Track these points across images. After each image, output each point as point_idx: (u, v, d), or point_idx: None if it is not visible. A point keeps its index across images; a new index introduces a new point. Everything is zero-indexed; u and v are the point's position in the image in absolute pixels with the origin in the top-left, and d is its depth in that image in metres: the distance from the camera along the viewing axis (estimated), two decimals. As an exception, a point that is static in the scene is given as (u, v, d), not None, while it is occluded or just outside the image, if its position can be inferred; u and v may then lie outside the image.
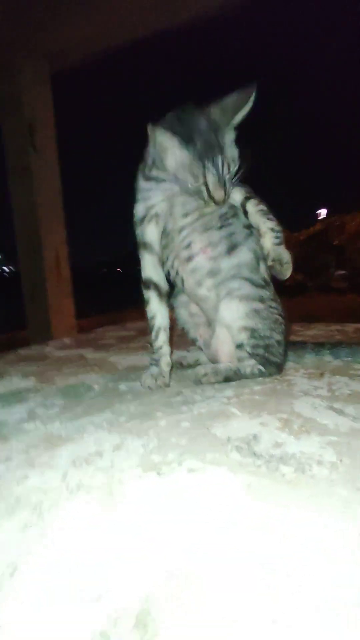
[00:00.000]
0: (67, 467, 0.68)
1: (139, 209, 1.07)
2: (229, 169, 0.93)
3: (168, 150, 0.93)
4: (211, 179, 0.92)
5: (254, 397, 0.96)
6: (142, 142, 1.03)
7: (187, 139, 0.90)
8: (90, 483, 0.63)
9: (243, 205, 1.06)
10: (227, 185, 0.94)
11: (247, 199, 1.06)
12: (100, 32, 2.63)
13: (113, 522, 0.54)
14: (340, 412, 0.84)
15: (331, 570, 0.44)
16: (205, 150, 0.90)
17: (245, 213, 1.06)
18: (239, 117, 0.94)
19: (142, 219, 1.07)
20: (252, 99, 0.93)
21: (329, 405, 0.88)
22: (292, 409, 0.87)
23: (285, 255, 1.04)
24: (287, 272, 1.04)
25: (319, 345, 1.24)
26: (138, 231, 1.09)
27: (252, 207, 1.05)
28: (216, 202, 0.95)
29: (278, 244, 1.04)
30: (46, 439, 0.81)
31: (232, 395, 0.98)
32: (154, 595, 0.42)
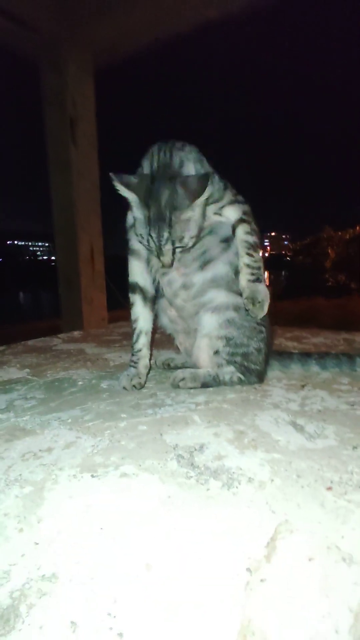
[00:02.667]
0: (16, 460, 0.73)
1: (129, 217, 1.09)
2: (172, 244, 0.92)
3: (131, 201, 0.96)
4: (152, 245, 0.93)
5: (222, 405, 0.96)
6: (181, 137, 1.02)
7: (144, 201, 0.91)
8: (28, 477, 0.67)
9: (234, 227, 1.04)
10: (170, 255, 0.94)
11: (240, 220, 1.03)
12: (145, 27, 2.63)
13: (29, 520, 0.57)
14: (299, 429, 0.81)
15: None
16: (154, 219, 0.91)
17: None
18: (199, 200, 0.91)
19: (131, 227, 1.09)
20: (206, 188, 0.90)
21: (292, 420, 0.86)
22: (252, 422, 0.86)
23: (260, 294, 1.00)
24: (259, 312, 1.00)
25: (305, 356, 1.20)
26: (128, 237, 1.12)
27: (240, 233, 1.03)
28: (161, 264, 0.96)
29: (253, 281, 1.01)
30: (10, 430, 0.86)
31: (201, 402, 0.98)
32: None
